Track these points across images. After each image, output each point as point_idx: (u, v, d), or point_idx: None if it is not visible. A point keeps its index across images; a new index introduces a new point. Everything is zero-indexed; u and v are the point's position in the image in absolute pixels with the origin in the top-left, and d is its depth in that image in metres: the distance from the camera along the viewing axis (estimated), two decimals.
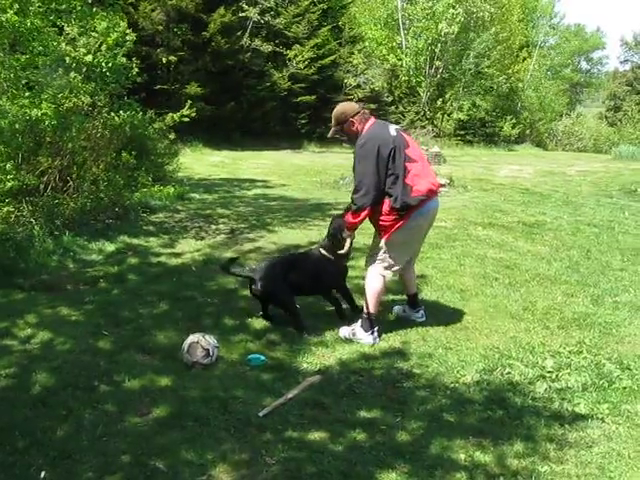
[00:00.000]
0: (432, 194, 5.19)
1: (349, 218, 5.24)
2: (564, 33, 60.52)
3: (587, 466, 3.52)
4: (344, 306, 5.78)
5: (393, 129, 5.23)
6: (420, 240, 5.56)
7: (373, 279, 5.32)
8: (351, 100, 29.77)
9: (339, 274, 5.71)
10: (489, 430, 3.89)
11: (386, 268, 5.31)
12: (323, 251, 5.59)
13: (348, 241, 5.41)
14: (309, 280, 5.58)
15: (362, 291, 5.50)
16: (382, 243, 5.24)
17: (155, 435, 3.72)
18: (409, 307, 5.78)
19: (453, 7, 32.89)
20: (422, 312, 5.74)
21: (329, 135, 5.52)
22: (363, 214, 5.12)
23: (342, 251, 5.47)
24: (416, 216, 5.13)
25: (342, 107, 5.30)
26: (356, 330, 5.28)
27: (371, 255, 5.41)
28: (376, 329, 5.27)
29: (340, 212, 5.71)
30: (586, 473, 3.47)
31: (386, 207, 5.07)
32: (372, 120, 5.26)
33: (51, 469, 3.37)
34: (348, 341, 5.22)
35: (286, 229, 9.44)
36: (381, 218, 5.15)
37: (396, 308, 5.91)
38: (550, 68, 47.15)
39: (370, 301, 5.30)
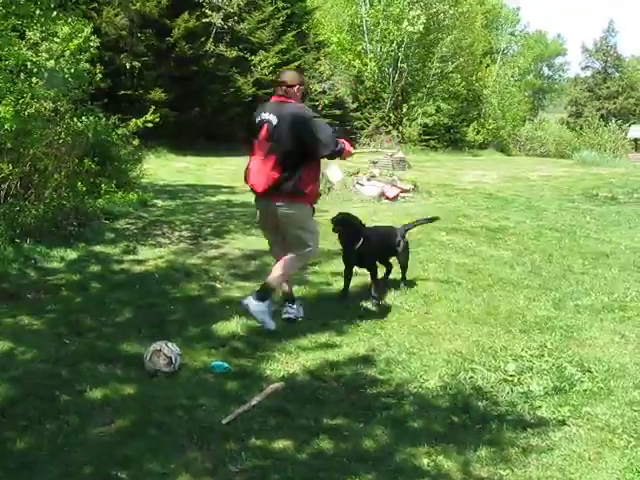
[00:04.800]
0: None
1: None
2: (527, 40, 61.28)
3: (548, 469, 3.56)
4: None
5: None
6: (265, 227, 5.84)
7: None
8: (316, 106, 30.03)
9: None
10: (453, 435, 3.90)
11: None
12: None
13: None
14: None
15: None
16: None
17: (117, 445, 3.67)
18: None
19: (411, 8, 33.04)
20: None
21: None
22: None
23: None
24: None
25: None
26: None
27: None
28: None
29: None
30: (547, 476, 3.50)
31: None
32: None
33: None
34: (312, 342, 5.31)
35: (250, 235, 9.39)
36: None
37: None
38: (513, 75, 47.63)
39: None
